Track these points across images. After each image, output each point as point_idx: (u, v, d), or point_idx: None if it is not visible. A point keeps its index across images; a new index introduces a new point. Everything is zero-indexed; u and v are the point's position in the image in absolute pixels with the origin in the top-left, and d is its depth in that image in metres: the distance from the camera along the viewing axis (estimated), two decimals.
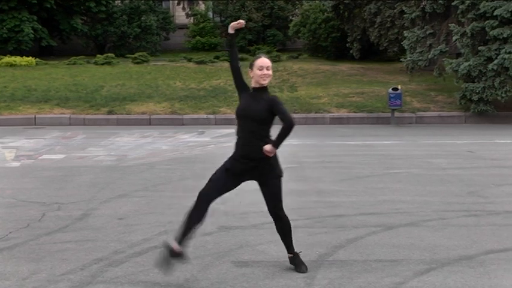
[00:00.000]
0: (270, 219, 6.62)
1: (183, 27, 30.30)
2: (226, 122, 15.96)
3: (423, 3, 18.76)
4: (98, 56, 24.21)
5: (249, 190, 8.06)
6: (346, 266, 5.15)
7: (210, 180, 4.80)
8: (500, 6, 15.95)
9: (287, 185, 8.53)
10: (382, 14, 22.40)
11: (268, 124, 4.76)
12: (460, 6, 17.04)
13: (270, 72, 4.83)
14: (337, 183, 8.71)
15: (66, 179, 9.01)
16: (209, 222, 6.50)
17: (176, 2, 31.45)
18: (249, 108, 4.75)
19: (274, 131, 4.78)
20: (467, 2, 16.74)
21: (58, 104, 17.52)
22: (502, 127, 15.97)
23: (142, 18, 27.24)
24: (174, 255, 4.67)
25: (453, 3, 17.45)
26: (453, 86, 18.06)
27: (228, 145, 12.10)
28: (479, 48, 16.46)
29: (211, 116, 16.89)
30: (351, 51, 24.71)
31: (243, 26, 4.96)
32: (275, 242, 5.83)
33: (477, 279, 4.86)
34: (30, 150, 11.74)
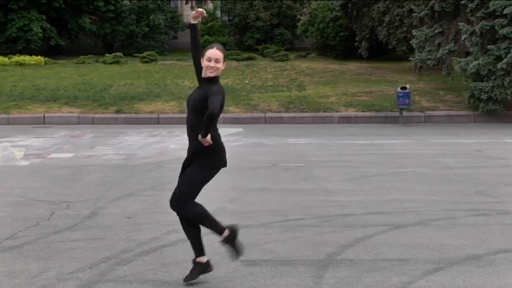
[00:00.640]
0: (278, 218, 6.65)
1: None
2: (234, 121, 15.96)
3: (432, 2, 18.69)
4: (107, 55, 24.26)
5: (256, 189, 8.08)
6: (354, 265, 5.14)
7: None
8: (510, 5, 15.87)
9: (295, 184, 8.56)
10: (390, 12, 22.33)
11: (201, 114, 4.54)
12: (469, 5, 16.97)
13: (218, 65, 4.61)
14: (344, 182, 8.70)
15: (75, 177, 9.05)
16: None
17: (184, 1, 31.48)
18: (190, 98, 4.71)
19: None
20: (476, 0, 16.67)
21: (67, 103, 17.58)
22: (511, 126, 15.90)
23: (150, 18, 27.28)
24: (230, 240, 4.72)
25: (462, 2, 17.38)
26: (462, 85, 18.00)
27: (236, 144, 12.12)
28: (489, 47, 16.39)
29: (220, 115, 16.89)
30: (359, 50, 24.65)
31: (204, 15, 4.89)
32: (283, 241, 5.83)
33: (486, 278, 4.85)
34: (39, 149, 11.79)
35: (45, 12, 25.60)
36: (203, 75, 4.69)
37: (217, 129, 4.74)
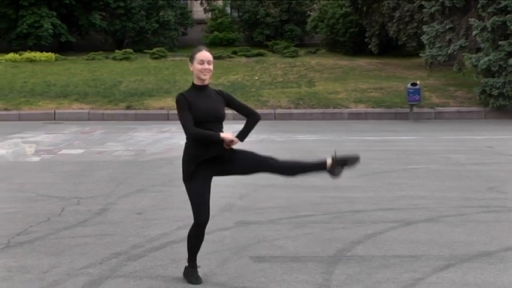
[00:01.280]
0: (289, 214, 6.65)
1: (200, 22, 30.32)
2: (244, 118, 15.94)
3: None
4: (116, 51, 24.31)
5: (266, 185, 8.07)
6: (364, 261, 5.13)
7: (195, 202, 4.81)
8: None
9: (304, 180, 8.53)
10: (400, 8, 22.23)
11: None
12: (480, 1, 16.87)
13: (211, 67, 4.52)
14: (355, 178, 8.67)
15: (85, 173, 9.08)
16: (226, 217, 6.53)
17: None
18: (211, 109, 4.54)
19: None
20: None
21: (77, 99, 17.65)
22: None
23: (160, 14, 27.31)
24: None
25: None
26: (473, 81, 17.90)
27: (246, 140, 12.10)
28: (500, 42, 16.29)
29: (229, 111, 16.88)
30: (369, 46, 24.56)
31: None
32: (293, 237, 5.83)
33: (497, 275, 4.82)
34: (50, 145, 11.84)
35: (56, 9, 25.69)
36: (196, 81, 4.56)
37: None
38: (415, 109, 16.84)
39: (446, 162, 9.93)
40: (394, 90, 18.62)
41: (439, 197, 7.48)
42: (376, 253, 5.35)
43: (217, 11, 30.20)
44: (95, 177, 8.79)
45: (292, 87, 19.17)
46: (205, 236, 5.91)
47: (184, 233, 5.96)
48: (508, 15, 16.07)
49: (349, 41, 25.86)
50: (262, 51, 25.08)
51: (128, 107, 17.16)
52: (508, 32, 16.26)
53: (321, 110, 16.97)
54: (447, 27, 18.49)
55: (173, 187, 8.15)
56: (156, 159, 10.33)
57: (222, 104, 4.61)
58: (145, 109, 17.09)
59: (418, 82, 16.91)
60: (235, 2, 29.92)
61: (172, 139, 12.62)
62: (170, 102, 17.37)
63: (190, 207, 4.60)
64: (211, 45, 28.62)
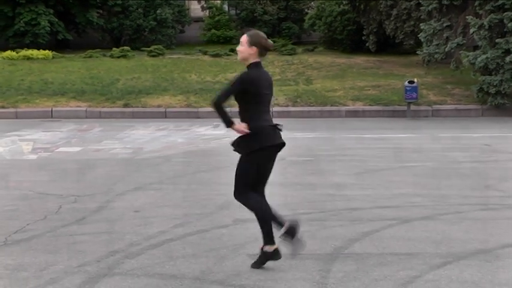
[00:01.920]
0: (285, 212, 6.61)
1: (198, 20, 30.27)
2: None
3: None
4: (114, 49, 24.27)
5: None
6: (361, 259, 5.14)
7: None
8: None
9: (302, 178, 8.55)
10: (398, 6, 22.24)
11: (240, 102, 4.83)
12: None
13: (238, 47, 4.81)
14: (352, 176, 8.69)
15: (83, 171, 9.08)
16: (224, 215, 6.53)
17: None
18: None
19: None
20: None
21: (74, 97, 17.63)
22: None
23: (157, 12, 27.26)
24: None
25: None
26: (470, 79, 17.91)
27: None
28: (497, 40, 16.30)
29: (227, 109, 16.88)
30: (366, 44, 24.56)
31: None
32: None
33: (494, 273, 4.83)
34: (47, 143, 11.83)
35: (53, 7, 25.63)
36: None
37: (259, 115, 4.84)
38: (413, 107, 16.85)
39: (444, 160, 9.94)
40: (392, 88, 18.63)
41: (436, 195, 7.49)
42: (373, 251, 5.35)
43: (214, 8, 30.16)
44: (92, 175, 8.79)
45: (290, 84, 19.17)
46: (203, 234, 5.94)
47: (182, 230, 5.98)
48: (505, 13, 16.08)
49: (347, 39, 25.85)
50: None
51: (126, 105, 17.15)
52: (505, 29, 16.28)
53: (319, 108, 16.97)
54: (444, 25, 18.49)
55: (171, 185, 8.15)
56: (154, 157, 10.33)
57: None
58: (143, 107, 17.08)
59: (415, 80, 16.92)
60: None
61: (170, 137, 12.61)
62: (168, 100, 17.36)
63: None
64: (208, 43, 28.60)
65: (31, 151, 10.95)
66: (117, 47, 24.80)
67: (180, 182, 8.35)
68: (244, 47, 4.74)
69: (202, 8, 30.27)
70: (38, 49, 23.65)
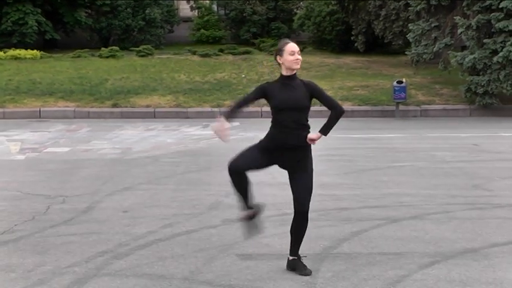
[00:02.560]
0: (274, 212, 6.65)
1: (187, 20, 30.20)
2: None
3: None
4: (103, 49, 24.17)
5: (252, 183, 8.06)
6: (350, 258, 5.15)
7: (240, 155, 4.71)
8: None
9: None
10: (387, 6, 22.30)
11: (308, 112, 4.80)
12: None
13: (301, 57, 4.81)
14: (341, 176, 8.71)
15: (71, 172, 9.04)
16: (213, 215, 6.52)
17: None
18: (290, 98, 4.68)
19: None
20: None
21: (62, 97, 17.54)
22: (507, 120, 15.92)
23: (146, 11, 27.18)
24: (250, 218, 4.79)
25: None
26: (458, 79, 18.00)
27: (232, 138, 12.08)
28: (485, 41, 16.39)
29: (216, 109, 16.88)
30: (355, 44, 24.61)
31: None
32: (279, 235, 5.83)
33: (481, 272, 4.86)
34: (35, 143, 11.77)
35: (41, 6, 25.47)
36: (286, 72, 4.76)
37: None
38: (401, 107, 16.91)
39: (432, 160, 9.98)
40: (381, 88, 18.68)
41: (424, 195, 7.52)
42: (362, 250, 5.37)
43: (203, 8, 30.11)
44: (81, 176, 8.75)
45: None
46: (192, 234, 5.93)
47: (171, 231, 5.97)
48: (492, 14, 16.17)
49: (336, 39, 25.90)
50: (248, 49, 25.04)
51: (114, 105, 17.08)
52: (492, 30, 16.36)
53: None
54: (433, 25, 18.56)
55: (159, 185, 8.14)
56: (143, 157, 10.30)
57: (304, 94, 4.72)
58: (132, 107, 17.02)
59: (404, 80, 16.98)
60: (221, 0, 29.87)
61: (159, 137, 12.58)
62: (157, 100, 17.32)
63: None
64: (197, 43, 28.56)
65: (19, 151, 10.88)
66: (106, 47, 24.71)
67: (169, 182, 8.34)
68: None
69: (191, 8, 30.24)
70: (26, 49, 23.50)
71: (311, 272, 4.76)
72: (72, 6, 26.16)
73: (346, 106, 17.27)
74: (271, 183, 8.02)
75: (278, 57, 4.77)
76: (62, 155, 10.51)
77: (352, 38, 24.73)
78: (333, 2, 25.60)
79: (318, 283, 4.62)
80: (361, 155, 10.40)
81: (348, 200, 7.24)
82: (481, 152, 10.86)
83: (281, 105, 4.68)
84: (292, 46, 4.72)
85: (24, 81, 18.96)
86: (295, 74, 4.77)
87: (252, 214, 4.79)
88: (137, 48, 24.49)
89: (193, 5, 30.14)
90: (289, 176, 4.78)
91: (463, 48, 18.27)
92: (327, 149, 11.04)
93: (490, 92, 16.51)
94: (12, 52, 22.83)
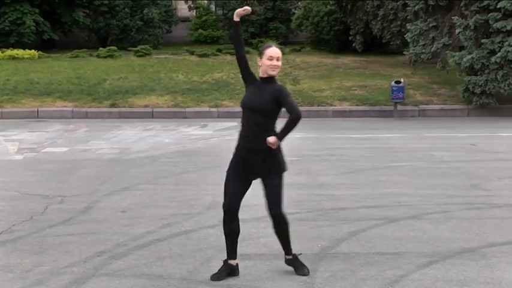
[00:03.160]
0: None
1: (185, 20, 30.19)
2: (228, 115, 15.94)
3: None
4: (101, 49, 24.16)
5: (253, 182, 8.07)
6: (348, 258, 5.16)
7: (225, 193, 4.71)
8: None
9: (289, 178, 8.55)
10: (385, 6, 22.32)
11: (274, 116, 4.63)
12: None
13: (280, 63, 4.65)
14: (339, 176, 8.71)
15: (69, 172, 9.03)
16: (211, 215, 6.52)
17: None
18: (255, 99, 4.61)
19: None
20: None
21: (60, 97, 17.52)
22: (505, 120, 15.94)
23: (144, 11, 27.16)
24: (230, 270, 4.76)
25: None
26: (456, 79, 18.02)
27: (230, 138, 12.10)
28: (483, 40, 16.41)
29: (214, 109, 16.89)
30: (353, 44, 24.62)
31: (249, 12, 4.79)
32: None
33: (479, 272, 4.87)
34: (33, 143, 11.76)
35: (38, 6, 25.45)
36: (262, 74, 4.66)
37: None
38: (399, 107, 16.92)
39: (430, 160, 9.99)
40: (379, 88, 18.70)
41: (422, 195, 7.53)
42: (360, 250, 5.38)
43: (201, 8, 30.10)
44: (79, 176, 8.75)
45: None
46: (190, 234, 5.93)
47: (169, 231, 5.97)
48: (490, 14, 16.19)
49: (334, 39, 25.91)
50: (247, 49, 24.98)
51: (112, 105, 17.07)
52: (490, 30, 16.38)
53: (306, 108, 16.98)
54: (431, 25, 18.58)
55: (158, 185, 8.14)
56: (141, 157, 10.30)
57: (269, 99, 4.59)
58: (130, 107, 17.01)
59: (402, 80, 16.99)
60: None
61: (157, 137, 12.58)
62: (155, 100, 17.31)
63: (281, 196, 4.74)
64: (195, 43, 28.56)
65: (17, 151, 10.87)
66: (104, 47, 24.69)
67: (167, 182, 8.34)
68: (281, 62, 4.70)
69: (189, 8, 30.23)
70: (24, 49, 23.49)
71: (309, 272, 4.76)
72: (70, 6, 26.13)
73: (344, 106, 17.30)
74: None
75: (258, 59, 4.69)
76: (60, 155, 10.50)
77: (350, 38, 24.74)
78: (331, 2, 25.61)
79: (316, 283, 4.63)
80: (359, 155, 10.40)
81: (345, 200, 7.24)
82: (478, 152, 10.87)
83: (242, 103, 4.69)
84: (272, 51, 4.62)
85: (22, 81, 18.95)
86: (272, 78, 4.65)
87: (233, 267, 4.75)
88: (135, 48, 24.48)
89: (191, 5, 30.13)
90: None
91: (461, 48, 18.29)
92: (324, 149, 11.05)
93: (488, 92, 16.54)
94: (10, 52, 22.81)
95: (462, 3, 17.19)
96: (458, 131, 13.78)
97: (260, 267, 4.96)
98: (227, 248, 4.75)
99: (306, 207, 6.89)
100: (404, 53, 19.86)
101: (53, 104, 17.07)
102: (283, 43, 27.35)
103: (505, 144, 11.81)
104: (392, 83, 16.79)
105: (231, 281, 4.67)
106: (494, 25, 16.06)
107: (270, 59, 4.60)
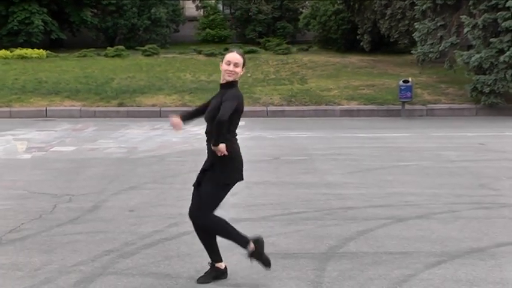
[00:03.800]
0: (280, 211, 6.66)
1: (192, 19, 30.23)
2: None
3: None
4: (108, 48, 24.23)
5: (258, 182, 8.08)
6: (356, 258, 5.15)
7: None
8: None
9: (296, 177, 8.56)
10: (392, 5, 22.26)
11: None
12: None
13: (237, 69, 4.49)
14: (346, 175, 8.70)
15: (77, 171, 9.06)
16: (219, 214, 6.51)
17: None
18: (208, 107, 4.61)
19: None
20: None
21: (69, 96, 17.58)
22: None
23: (152, 11, 27.21)
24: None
25: None
26: (464, 78, 17.95)
27: (238, 137, 12.10)
28: (491, 40, 16.34)
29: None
30: (361, 44, 24.58)
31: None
32: (285, 234, 5.84)
33: (488, 271, 4.85)
34: (42, 142, 11.80)
35: (47, 6, 25.55)
36: (221, 80, 4.59)
37: (236, 139, 4.64)
38: (407, 106, 16.87)
39: (438, 159, 9.96)
40: (386, 87, 18.65)
41: (430, 194, 7.51)
42: (368, 250, 5.37)
43: (209, 8, 30.13)
44: (87, 175, 8.77)
45: (284, 84, 19.17)
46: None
47: (177, 230, 5.98)
48: (499, 13, 16.12)
49: (341, 38, 25.87)
50: (254, 48, 25.06)
51: (120, 104, 17.11)
52: (499, 29, 16.31)
53: (313, 107, 16.97)
54: (438, 24, 18.52)
55: (165, 184, 8.15)
56: (148, 156, 10.32)
57: (216, 104, 4.52)
58: (137, 106, 17.04)
59: (409, 79, 16.94)
60: None
61: (165, 136, 12.60)
62: (162, 99, 17.34)
63: (206, 201, 4.62)
64: (202, 42, 28.58)
65: (25, 150, 10.91)
66: (112, 46, 24.76)
67: (174, 181, 8.35)
68: (240, 68, 4.53)
69: (197, 7, 30.26)
70: (32, 48, 23.59)
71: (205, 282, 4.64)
72: (78, 6, 26.22)
73: (352, 105, 17.27)
74: (276, 183, 8.03)
75: (220, 63, 4.61)
76: (68, 154, 10.54)
77: (357, 37, 24.70)
78: (338, 1, 25.57)
79: (324, 282, 4.63)
80: (366, 154, 10.38)
81: (353, 199, 7.23)
82: (487, 151, 10.83)
83: (206, 114, 4.60)
84: (230, 56, 4.51)
85: (31, 80, 19.02)
86: (232, 83, 4.53)
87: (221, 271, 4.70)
88: (143, 48, 24.53)
89: (199, 4, 30.16)
90: None
91: (469, 47, 18.22)
92: (332, 148, 11.04)
93: (496, 91, 16.47)
94: (18, 51, 22.91)
95: (470, 2, 17.13)
96: (466, 130, 13.73)
97: None
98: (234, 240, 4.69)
99: (313, 207, 6.89)
100: (412, 52, 19.80)
101: (61, 103, 17.12)
102: (290, 42, 27.38)
103: None
104: (400, 82, 16.75)
105: (239, 279, 4.67)
106: (502, 24, 15.99)
107: (228, 63, 4.49)
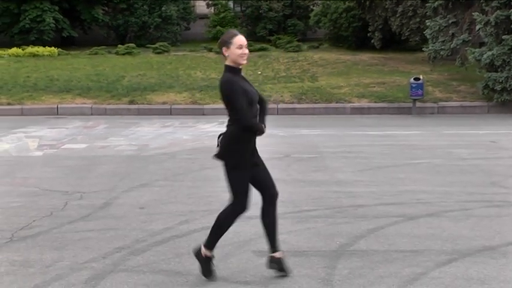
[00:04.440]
0: (291, 209, 6.66)
1: (203, 17, 30.24)
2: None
3: None
4: (119, 46, 24.29)
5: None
6: (367, 256, 5.14)
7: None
8: None
9: (307, 175, 8.55)
10: (404, 3, 22.15)
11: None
12: None
13: (248, 51, 4.56)
14: (357, 173, 8.68)
15: (88, 168, 9.10)
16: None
17: None
18: (253, 91, 4.60)
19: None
20: None
21: (80, 93, 17.65)
22: None
23: (162, 8, 27.25)
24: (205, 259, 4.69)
25: None
26: (476, 76, 17.85)
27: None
28: (503, 37, 16.23)
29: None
30: (372, 41, 24.48)
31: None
32: (295, 232, 5.84)
33: (500, 270, 4.83)
34: (53, 140, 11.86)
35: (58, 3, 25.65)
36: (232, 64, 4.52)
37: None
38: (418, 104, 16.80)
39: (449, 157, 9.92)
40: (397, 84, 18.58)
41: (441, 192, 7.48)
42: (379, 248, 5.36)
43: (219, 5, 30.13)
44: (98, 172, 8.81)
45: (295, 82, 19.14)
46: (208, 231, 5.93)
47: (187, 227, 5.99)
48: (511, 10, 16.01)
49: (352, 36, 25.79)
50: (265, 45, 25.02)
51: (131, 102, 17.16)
52: (511, 26, 16.20)
53: (324, 105, 16.94)
54: (450, 21, 18.41)
55: (176, 182, 8.17)
56: (159, 153, 10.34)
57: (254, 89, 4.69)
58: (148, 104, 17.08)
59: (421, 77, 16.86)
60: None
61: (175, 134, 12.62)
62: (173, 97, 17.37)
63: (234, 194, 4.64)
64: (213, 40, 28.53)
65: (37, 148, 10.97)
66: (123, 44, 24.82)
67: (185, 178, 8.37)
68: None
69: (208, 5, 30.27)
70: (44, 46, 23.69)
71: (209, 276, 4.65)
72: (89, 4, 26.31)
73: (363, 103, 17.22)
74: (286, 181, 8.03)
75: (224, 49, 4.50)
76: (80, 152, 10.58)
77: (368, 34, 24.60)
78: None
79: (335, 280, 4.62)
80: (377, 152, 10.35)
81: (364, 197, 7.21)
82: (498, 149, 10.77)
83: (251, 100, 4.53)
84: (240, 39, 4.47)
85: (42, 78, 19.11)
86: (240, 69, 4.56)
87: (209, 256, 4.66)
88: (153, 45, 24.57)
89: (210, 2, 30.17)
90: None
91: (481, 44, 18.11)
92: (342, 146, 11.02)
93: (508, 89, 16.35)
94: (30, 49, 23.03)
95: None
96: (478, 128, 13.65)
97: None
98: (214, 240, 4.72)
99: (323, 204, 6.88)
100: (423, 49, 19.69)
101: (73, 101, 17.20)
102: (301, 40, 27.31)
103: None
104: (411, 80, 16.68)
105: (249, 277, 4.68)
106: None
107: (240, 47, 4.45)
